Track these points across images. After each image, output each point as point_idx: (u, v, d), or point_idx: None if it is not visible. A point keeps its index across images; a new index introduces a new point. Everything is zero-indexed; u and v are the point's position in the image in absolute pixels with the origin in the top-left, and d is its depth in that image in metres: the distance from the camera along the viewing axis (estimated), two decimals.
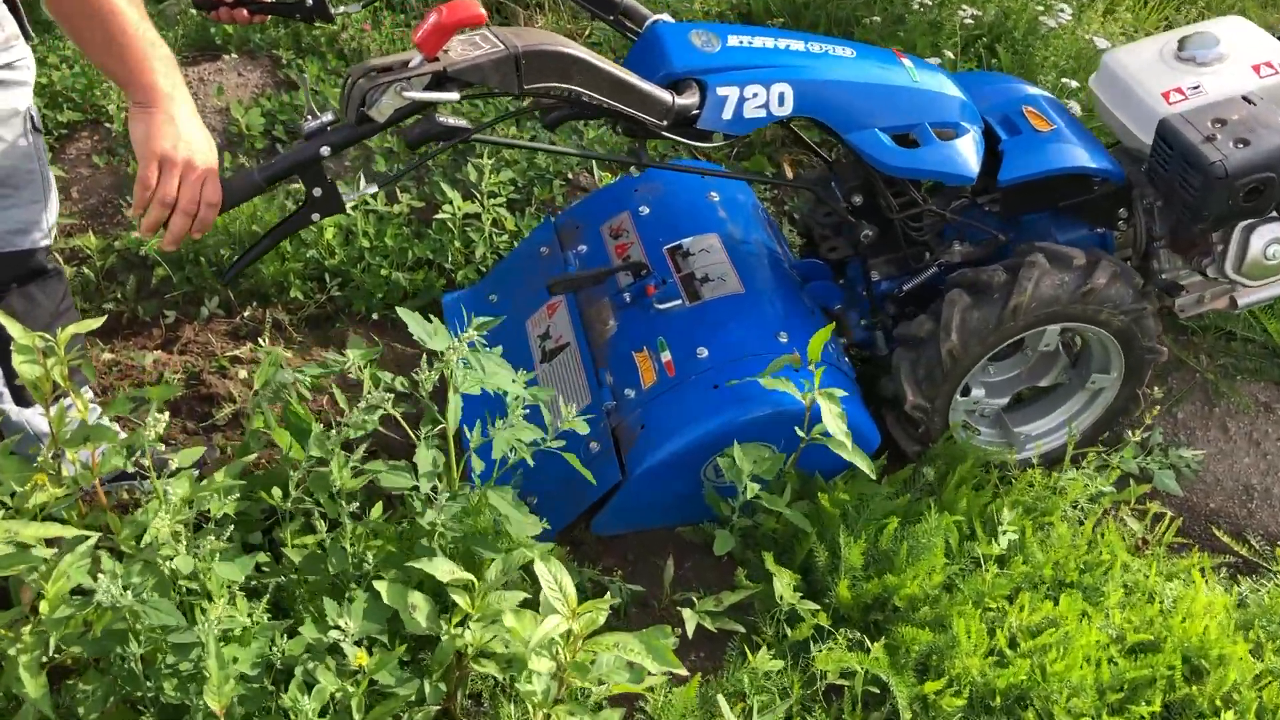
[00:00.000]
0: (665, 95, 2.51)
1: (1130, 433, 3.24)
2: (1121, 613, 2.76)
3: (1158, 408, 3.34)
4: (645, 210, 3.40)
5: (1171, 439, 3.37)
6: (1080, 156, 2.94)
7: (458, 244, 3.78)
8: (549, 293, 3.12)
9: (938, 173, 2.84)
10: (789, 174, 4.26)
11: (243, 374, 3.44)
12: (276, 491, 2.50)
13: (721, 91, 2.61)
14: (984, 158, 2.93)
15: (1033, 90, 3.19)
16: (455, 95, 2.23)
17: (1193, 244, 3.09)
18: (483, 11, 2.16)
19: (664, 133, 2.58)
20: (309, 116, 2.26)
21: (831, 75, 2.72)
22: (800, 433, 2.71)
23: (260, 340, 3.56)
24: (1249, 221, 2.96)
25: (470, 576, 2.25)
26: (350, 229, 3.81)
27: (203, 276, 3.74)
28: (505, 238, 3.84)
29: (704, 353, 2.91)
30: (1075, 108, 3.75)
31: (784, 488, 2.81)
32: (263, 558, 2.58)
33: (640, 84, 2.47)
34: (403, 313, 2.35)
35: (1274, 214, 2.97)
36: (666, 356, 2.95)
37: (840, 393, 2.64)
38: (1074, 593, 2.80)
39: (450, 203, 3.83)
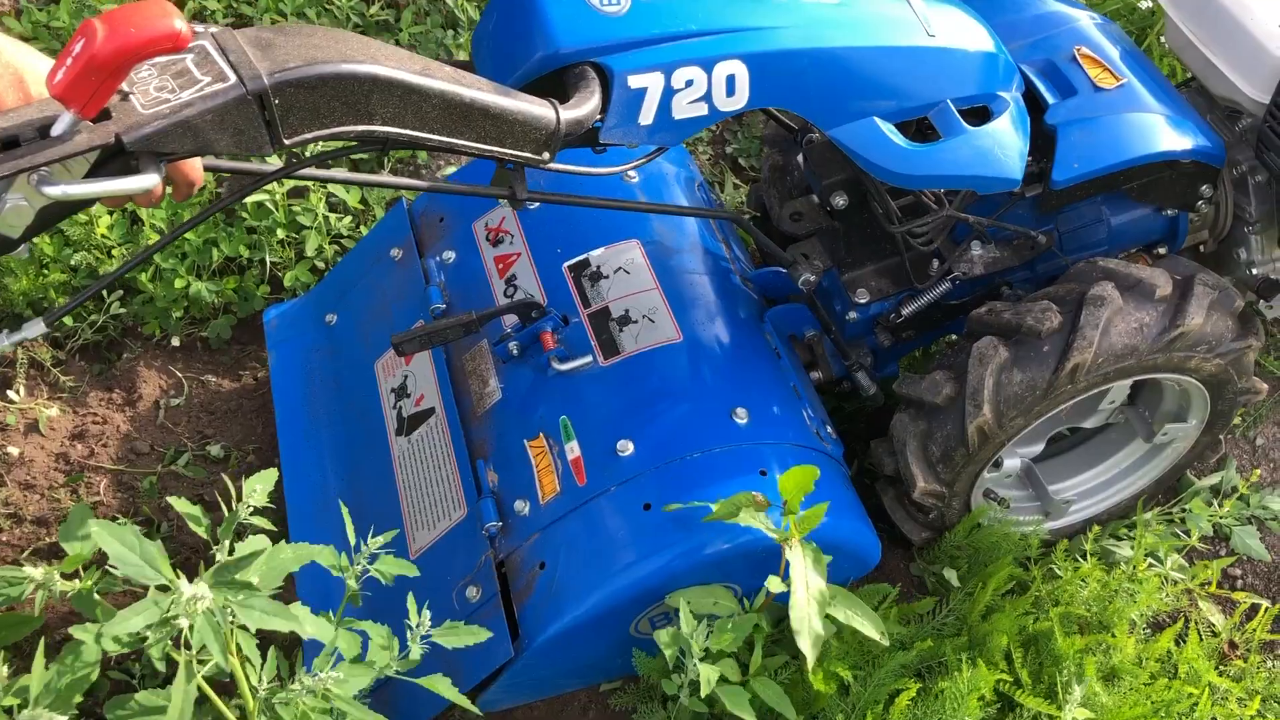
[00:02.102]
0: (543, 111, 1.51)
1: (1195, 472, 2.42)
2: None
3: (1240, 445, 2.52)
4: (535, 203, 2.39)
5: (1248, 476, 2.56)
6: (1167, 136, 1.99)
7: (282, 233, 2.75)
8: (396, 351, 2.14)
9: (971, 179, 1.89)
10: None
11: None
12: None
13: (636, 82, 1.62)
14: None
15: (1082, 17, 2.21)
16: (153, 179, 1.22)
17: None
18: (180, 26, 1.14)
19: (549, 167, 1.60)
20: None
21: (806, 41, 1.72)
22: (775, 585, 1.83)
23: (12, 392, 2.56)
24: None
25: None
26: (135, 214, 2.76)
27: None
28: (348, 221, 2.81)
29: (628, 448, 1.99)
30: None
31: (750, 642, 1.95)
32: None
33: (498, 101, 1.46)
34: (97, 529, 1.36)
35: None
36: (574, 451, 2.03)
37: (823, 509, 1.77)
38: None
39: None
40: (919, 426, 2.08)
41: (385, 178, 1.56)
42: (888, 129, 1.81)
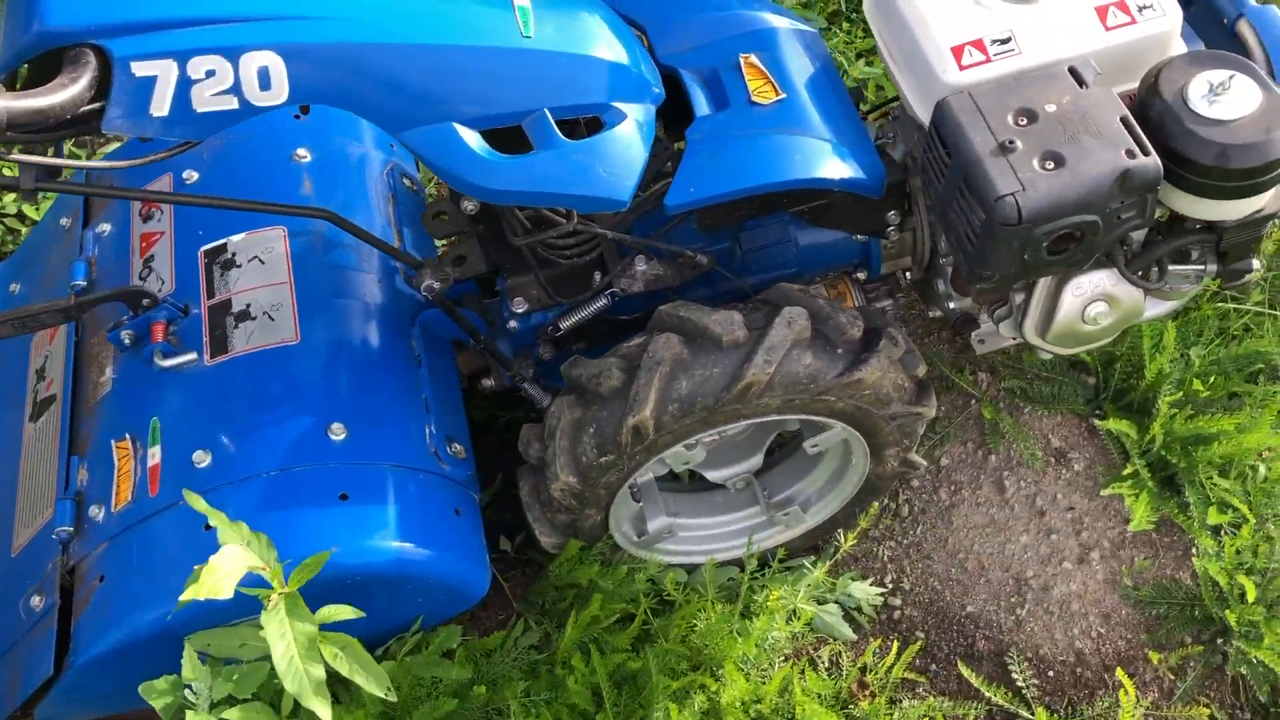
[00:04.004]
0: None
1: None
2: None
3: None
4: (193, 176, 2.20)
5: (865, 550, 2.36)
6: (808, 162, 1.79)
7: None
8: None
9: (565, 196, 1.70)
10: None
11: None
12: None
13: (142, 69, 1.43)
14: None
15: (775, 22, 1.99)
16: None
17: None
18: None
19: (10, 158, 1.41)
20: None
21: (359, 34, 1.52)
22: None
23: None
24: None
25: None
26: None
27: None
28: (11, 198, 2.61)
29: (204, 460, 1.81)
30: None
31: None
32: None
33: None
34: None
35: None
36: (155, 457, 1.85)
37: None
38: None
39: None
40: (575, 414, 1.89)
41: None
42: (468, 136, 1.62)
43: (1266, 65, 1.84)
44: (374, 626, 1.89)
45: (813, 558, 2.29)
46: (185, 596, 1.45)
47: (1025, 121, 1.69)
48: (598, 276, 2.03)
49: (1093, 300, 1.86)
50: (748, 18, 1.98)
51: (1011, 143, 1.67)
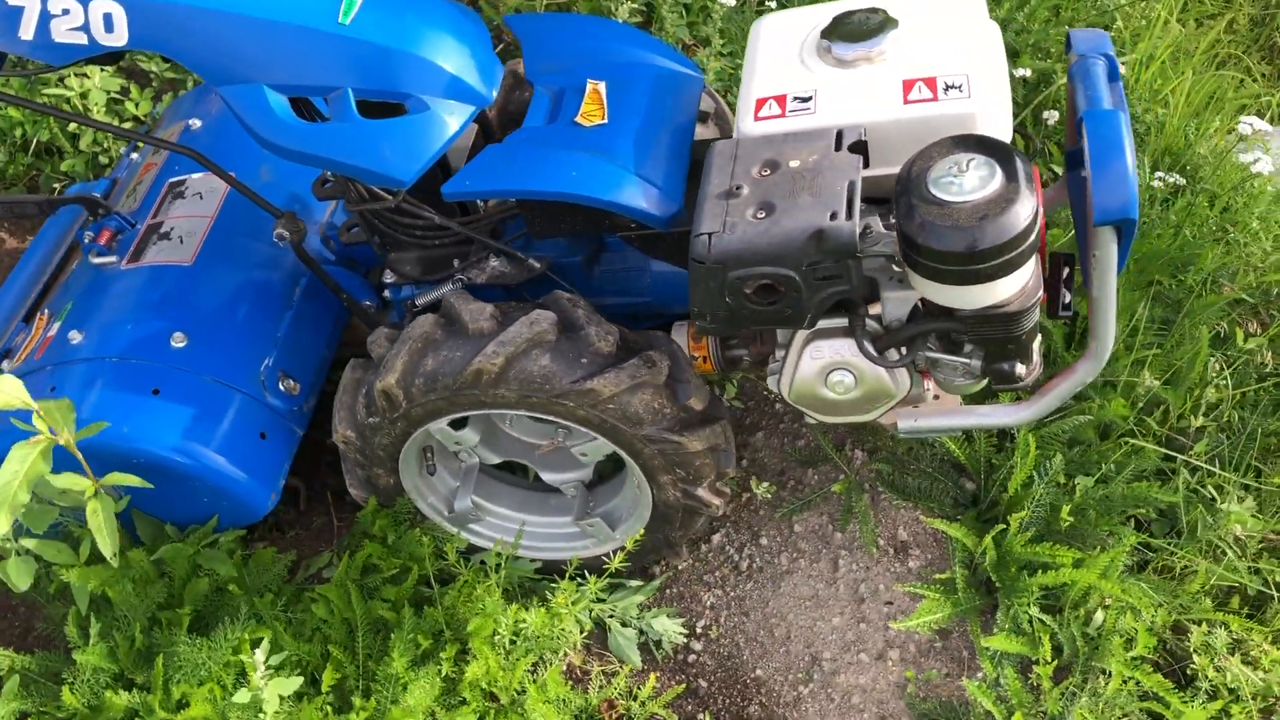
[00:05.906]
0: None
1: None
2: None
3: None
4: (196, 124, 2.57)
5: (692, 593, 2.30)
6: (576, 178, 1.85)
7: (73, 126, 3.07)
8: None
9: (348, 166, 1.88)
10: None
11: None
12: None
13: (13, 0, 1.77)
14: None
15: (646, 57, 2.08)
16: None
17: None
18: None
19: None
20: None
21: None
22: None
23: None
24: (810, 330, 1.79)
25: None
26: None
27: None
28: (130, 125, 3.09)
29: (77, 338, 2.14)
30: None
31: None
32: None
33: None
34: None
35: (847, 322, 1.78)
36: (54, 330, 2.21)
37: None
38: None
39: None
40: (357, 375, 2.08)
41: None
42: (274, 99, 1.83)
43: (1090, 168, 1.71)
44: (172, 512, 2.14)
45: (639, 581, 2.30)
46: None
47: (767, 173, 1.69)
48: (457, 263, 2.18)
49: (833, 367, 1.79)
50: (619, 51, 2.07)
51: (739, 189, 1.67)
